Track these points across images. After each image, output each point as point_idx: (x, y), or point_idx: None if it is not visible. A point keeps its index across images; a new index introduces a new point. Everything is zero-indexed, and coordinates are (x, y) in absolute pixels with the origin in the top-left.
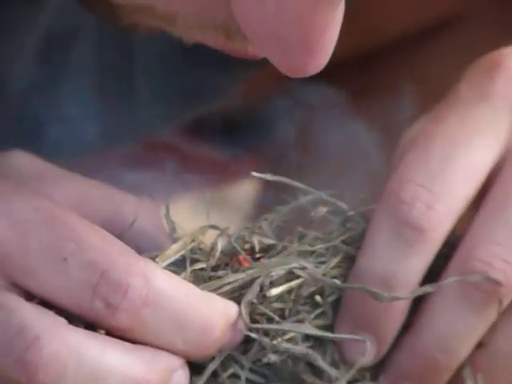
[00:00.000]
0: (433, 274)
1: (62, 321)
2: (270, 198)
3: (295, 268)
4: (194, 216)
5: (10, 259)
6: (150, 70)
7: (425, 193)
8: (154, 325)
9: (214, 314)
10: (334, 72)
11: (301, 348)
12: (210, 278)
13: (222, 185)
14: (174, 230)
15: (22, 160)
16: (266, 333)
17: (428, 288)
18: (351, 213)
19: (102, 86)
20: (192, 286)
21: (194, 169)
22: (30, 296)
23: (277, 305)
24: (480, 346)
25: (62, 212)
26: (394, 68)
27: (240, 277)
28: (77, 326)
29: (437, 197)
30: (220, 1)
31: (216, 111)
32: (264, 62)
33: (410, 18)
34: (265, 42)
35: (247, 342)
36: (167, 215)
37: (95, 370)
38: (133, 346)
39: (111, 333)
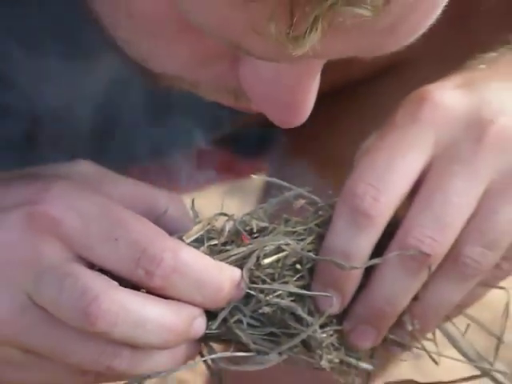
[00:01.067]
0: (380, 246)
1: (115, 283)
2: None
3: (282, 244)
4: (217, 201)
5: (77, 240)
6: (186, 106)
7: (372, 190)
8: (180, 285)
9: (223, 277)
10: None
11: (286, 302)
12: (221, 251)
13: (238, 179)
14: (196, 216)
15: (87, 167)
16: (261, 291)
17: (376, 260)
18: (322, 204)
19: (153, 114)
20: (208, 258)
21: (218, 168)
22: (91, 265)
23: (269, 270)
24: (415, 299)
25: (114, 206)
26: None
27: (242, 250)
28: (125, 287)
29: (381, 192)
30: (231, 74)
31: (232, 130)
32: None
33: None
34: (262, 104)
35: (247, 297)
36: (192, 206)
37: (137, 319)
38: (165, 300)
39: (149, 292)
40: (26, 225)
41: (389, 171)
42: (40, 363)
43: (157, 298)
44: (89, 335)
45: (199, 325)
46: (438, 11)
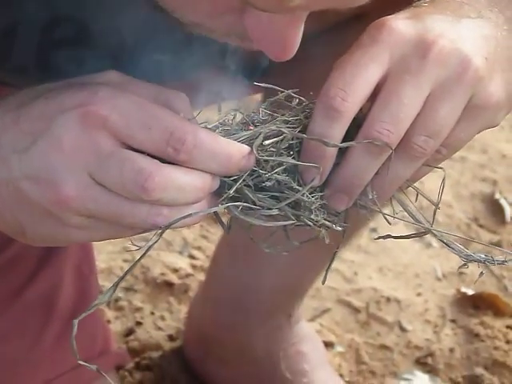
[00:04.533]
0: (350, 136)
1: (158, 162)
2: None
3: (280, 129)
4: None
5: (121, 131)
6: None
7: (341, 92)
8: (199, 158)
9: (232, 149)
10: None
11: (282, 177)
12: (232, 134)
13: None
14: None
15: (115, 75)
16: (266, 162)
17: (349, 143)
18: (306, 102)
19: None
20: (220, 136)
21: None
22: (132, 150)
23: (270, 148)
24: (377, 174)
25: (146, 102)
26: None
27: (249, 133)
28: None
29: (348, 94)
30: (239, 23)
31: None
32: None
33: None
34: (261, 43)
35: (252, 175)
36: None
37: (180, 185)
38: (191, 170)
39: (179, 164)
40: (82, 122)
41: (354, 79)
42: (100, 225)
43: (186, 168)
44: (139, 202)
45: (216, 182)
46: None
